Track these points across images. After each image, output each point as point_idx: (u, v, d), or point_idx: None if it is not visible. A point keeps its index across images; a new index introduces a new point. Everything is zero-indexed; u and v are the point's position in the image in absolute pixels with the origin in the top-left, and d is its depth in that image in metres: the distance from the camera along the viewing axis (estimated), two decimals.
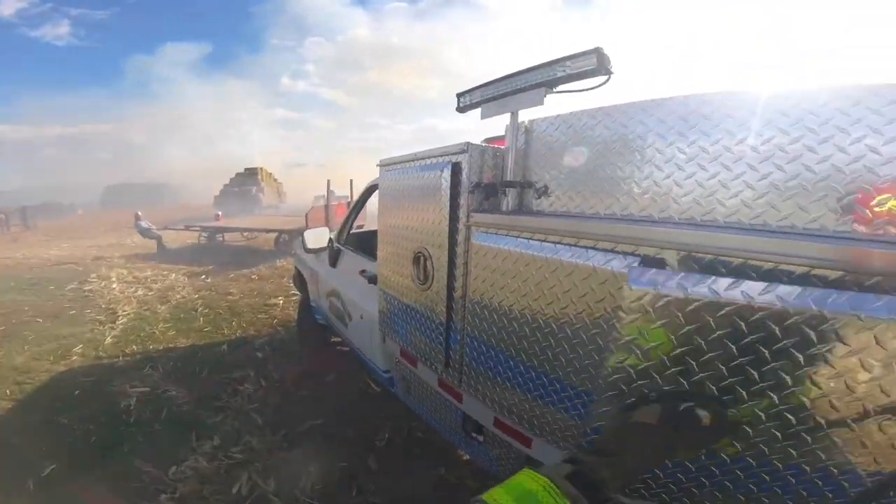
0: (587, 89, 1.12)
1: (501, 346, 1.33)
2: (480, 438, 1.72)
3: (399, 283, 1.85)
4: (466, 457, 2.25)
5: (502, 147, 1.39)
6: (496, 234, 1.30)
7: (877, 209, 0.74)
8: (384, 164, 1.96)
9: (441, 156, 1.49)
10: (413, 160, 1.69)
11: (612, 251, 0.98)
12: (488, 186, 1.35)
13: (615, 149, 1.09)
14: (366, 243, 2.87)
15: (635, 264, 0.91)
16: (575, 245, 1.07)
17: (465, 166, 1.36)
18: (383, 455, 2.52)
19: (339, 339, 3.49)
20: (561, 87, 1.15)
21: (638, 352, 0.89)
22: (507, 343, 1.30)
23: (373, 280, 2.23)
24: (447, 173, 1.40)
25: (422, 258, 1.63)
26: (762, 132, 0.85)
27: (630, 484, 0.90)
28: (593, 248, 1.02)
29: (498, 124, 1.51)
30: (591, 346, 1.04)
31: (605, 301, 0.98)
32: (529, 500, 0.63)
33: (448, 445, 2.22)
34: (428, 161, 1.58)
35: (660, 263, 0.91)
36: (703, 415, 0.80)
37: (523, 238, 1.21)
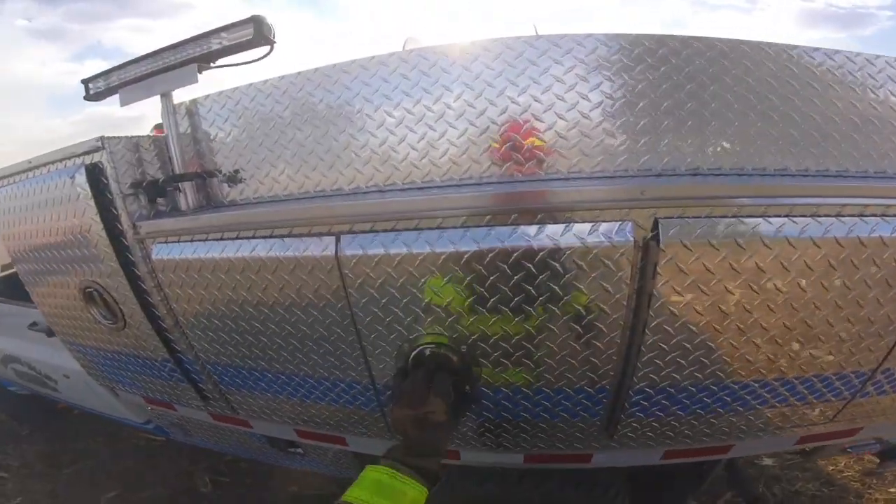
0: (249, 62, 1.01)
1: (250, 363, 1.14)
2: (300, 451, 1.59)
3: (84, 330, 1.41)
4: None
5: (162, 136, 1.12)
6: (180, 241, 1.03)
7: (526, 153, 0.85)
8: None
9: (66, 158, 1.12)
10: (28, 170, 1.24)
11: (316, 235, 0.90)
12: (151, 185, 1.06)
13: (307, 120, 0.97)
14: (18, 288, 1.97)
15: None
16: (271, 236, 0.94)
17: (107, 166, 1.03)
18: (217, 499, 2.23)
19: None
20: (220, 62, 1.01)
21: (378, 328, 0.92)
22: (255, 357, 1.11)
23: (50, 332, 1.69)
24: (81, 179, 1.05)
25: (96, 294, 1.24)
26: (452, 89, 0.87)
27: (442, 448, 0.88)
28: (303, 234, 0.91)
29: None
30: (333, 336, 0.98)
31: (323, 287, 0.91)
32: (382, 488, 0.74)
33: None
34: (48, 169, 1.17)
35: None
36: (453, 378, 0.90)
37: (214, 239, 0.99)
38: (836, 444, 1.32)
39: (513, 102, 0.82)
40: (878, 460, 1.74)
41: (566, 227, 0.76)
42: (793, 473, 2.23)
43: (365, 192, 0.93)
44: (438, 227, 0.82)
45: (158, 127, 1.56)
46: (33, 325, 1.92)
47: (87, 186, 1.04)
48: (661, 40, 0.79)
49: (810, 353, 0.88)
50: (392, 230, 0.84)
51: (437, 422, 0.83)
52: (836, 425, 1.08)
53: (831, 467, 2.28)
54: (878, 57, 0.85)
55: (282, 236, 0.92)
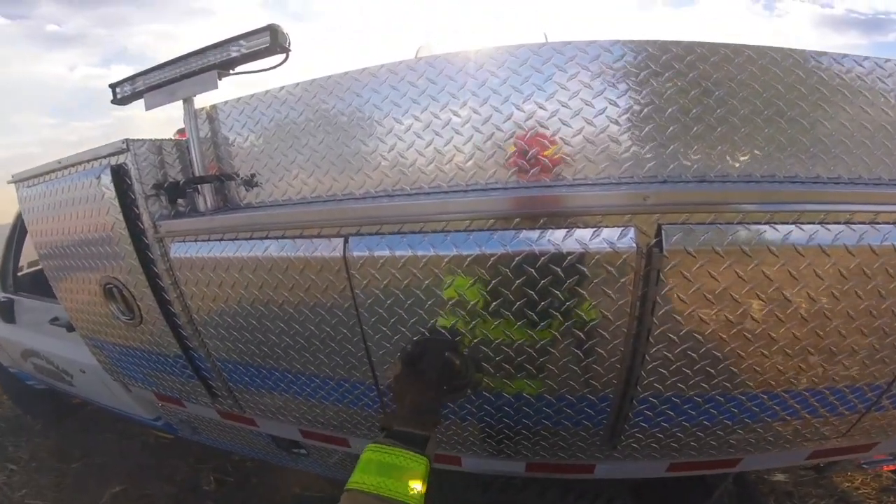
0: (266, 69, 1.04)
1: (258, 360, 1.16)
2: (304, 451, 1.62)
3: (102, 326, 1.47)
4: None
5: (184, 139, 1.17)
6: (198, 241, 1.07)
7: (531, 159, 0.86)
8: (21, 180, 1.47)
9: (93, 159, 1.18)
10: (57, 170, 1.31)
11: (325, 236, 0.93)
12: (173, 187, 1.11)
13: (321, 126, 1.01)
14: (45, 284, 2.06)
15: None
16: (284, 237, 0.97)
17: (131, 167, 1.09)
18: (220, 498, 2.24)
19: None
20: (239, 69, 1.05)
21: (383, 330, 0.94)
22: (263, 355, 1.14)
23: (71, 327, 1.78)
24: (106, 180, 1.11)
25: (115, 290, 1.30)
26: (458, 96, 0.88)
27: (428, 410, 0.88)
28: (313, 236, 0.94)
29: None
30: (339, 336, 1.00)
31: (331, 287, 0.93)
32: (384, 467, 0.74)
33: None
34: (77, 169, 1.23)
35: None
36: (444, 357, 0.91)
37: (230, 239, 1.03)
38: (850, 460, 1.28)
39: (518, 109, 0.84)
40: (895, 477, 1.69)
41: (568, 231, 0.77)
42: (806, 490, 2.14)
43: (374, 197, 0.96)
44: (443, 231, 0.83)
45: (181, 131, 1.63)
46: (55, 321, 2.00)
47: (111, 186, 1.09)
48: (664, 46, 0.80)
49: (821, 365, 0.86)
50: (398, 233, 0.86)
51: (425, 382, 0.87)
52: (850, 440, 1.05)
53: (847, 484, 2.18)
54: (887, 61, 0.84)
55: (293, 237, 0.95)
